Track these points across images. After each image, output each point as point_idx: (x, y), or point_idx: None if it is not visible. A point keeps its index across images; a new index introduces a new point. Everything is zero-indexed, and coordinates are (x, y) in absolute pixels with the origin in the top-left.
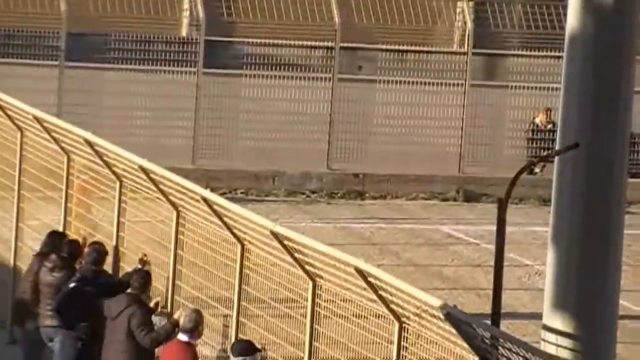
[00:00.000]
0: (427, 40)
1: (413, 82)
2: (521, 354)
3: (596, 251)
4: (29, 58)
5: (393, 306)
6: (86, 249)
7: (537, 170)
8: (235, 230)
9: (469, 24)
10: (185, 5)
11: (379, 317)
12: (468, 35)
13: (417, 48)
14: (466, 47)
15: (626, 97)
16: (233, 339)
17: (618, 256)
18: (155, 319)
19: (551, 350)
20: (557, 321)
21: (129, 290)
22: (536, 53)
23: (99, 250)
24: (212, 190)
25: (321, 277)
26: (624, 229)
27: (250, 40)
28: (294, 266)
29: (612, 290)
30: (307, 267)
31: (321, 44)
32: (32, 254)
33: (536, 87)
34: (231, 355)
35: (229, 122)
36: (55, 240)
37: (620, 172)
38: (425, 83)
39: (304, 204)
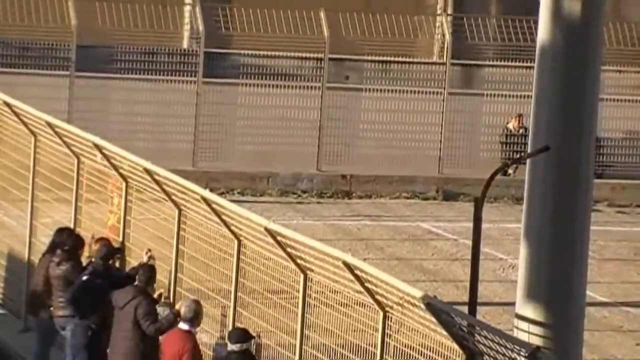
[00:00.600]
0: (409, 51)
1: (396, 91)
2: (496, 340)
3: (565, 246)
4: (42, 69)
5: (378, 297)
6: (96, 246)
7: (510, 171)
8: (232, 227)
9: (448, 37)
10: (186, 20)
11: (364, 306)
12: (447, 47)
13: (400, 59)
14: (445, 58)
15: (592, 104)
16: (230, 327)
17: (585, 251)
18: (159, 309)
19: (523, 337)
20: (529, 310)
21: (135, 283)
22: (509, 64)
23: (108, 245)
24: (211, 190)
25: (312, 270)
26: (590, 226)
27: (246, 51)
28: (287, 260)
29: (580, 282)
30: (298, 261)
31: (311, 55)
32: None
33: (509, 95)
34: (228, 342)
35: (226, 128)
36: (62, 236)
37: (586, 173)
38: (407, 91)
39: (296, 203)
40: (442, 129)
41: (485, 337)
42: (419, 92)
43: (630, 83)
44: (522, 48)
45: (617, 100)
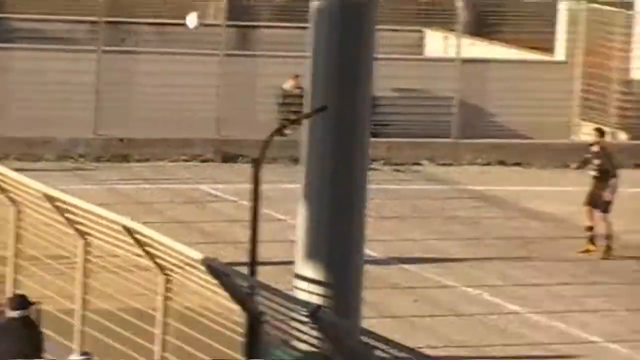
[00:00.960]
0: (184, 13)
1: (172, 53)
2: (276, 300)
3: (343, 205)
4: None
5: (158, 260)
6: None
7: (288, 132)
8: (9, 194)
9: None
10: None
11: (145, 270)
12: (223, 8)
13: (175, 21)
14: (221, 19)
15: (367, 64)
16: (9, 294)
17: (362, 210)
18: None
19: (304, 296)
20: (309, 270)
21: None
22: (285, 24)
23: None
24: None
25: (91, 235)
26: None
27: (19, 15)
28: (66, 225)
29: (358, 241)
30: (77, 226)
31: (87, 18)
32: None
33: (286, 56)
34: (7, 309)
35: (0, 93)
36: None
37: (363, 132)
38: (183, 54)
39: (74, 169)
40: (218, 90)
41: (266, 298)
42: (195, 54)
43: (405, 42)
44: (299, 9)
45: (393, 59)
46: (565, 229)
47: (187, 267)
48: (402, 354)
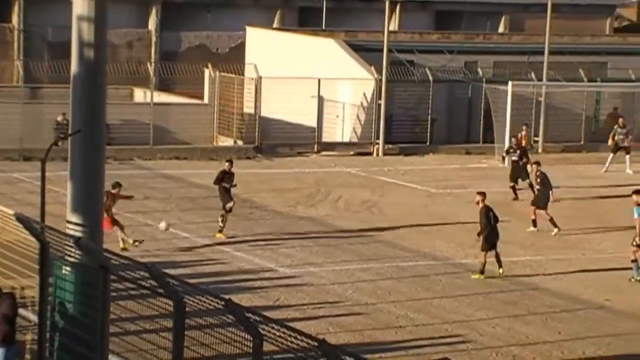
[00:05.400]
0: None
1: None
2: (56, 235)
3: (91, 184)
4: None
5: None
6: None
7: (60, 144)
8: None
9: None
10: None
11: None
12: (21, 76)
13: None
14: (21, 82)
15: (102, 106)
16: None
17: (101, 187)
18: None
19: (72, 232)
20: (74, 218)
21: None
22: (57, 85)
23: None
24: None
25: None
26: None
27: None
28: None
29: (98, 203)
30: None
31: None
32: None
33: (58, 103)
34: None
35: None
36: None
37: (101, 143)
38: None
39: None
40: (22, 121)
41: (50, 234)
42: (7, 103)
43: (122, 94)
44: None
45: (119, 104)
46: (208, 191)
47: (4, 218)
48: (124, 261)
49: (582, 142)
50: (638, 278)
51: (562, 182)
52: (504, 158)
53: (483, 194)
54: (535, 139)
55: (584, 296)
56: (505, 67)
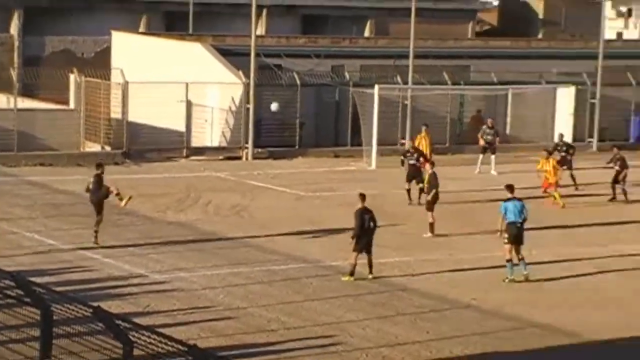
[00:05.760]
0: None
1: None
2: None
3: None
4: None
5: None
6: None
7: None
8: None
9: None
10: None
11: None
12: None
13: None
14: None
15: None
16: None
17: None
18: None
19: None
20: None
21: None
22: None
23: None
24: None
25: None
26: None
27: None
28: None
29: None
30: None
31: None
32: None
33: None
34: None
35: None
36: None
37: None
38: None
39: None
40: None
41: None
42: None
43: None
44: None
45: None
46: (74, 197)
47: None
48: None
49: (447, 145)
50: (512, 277)
51: None
52: (402, 162)
53: (362, 196)
54: (402, 141)
55: (451, 296)
56: (371, 70)
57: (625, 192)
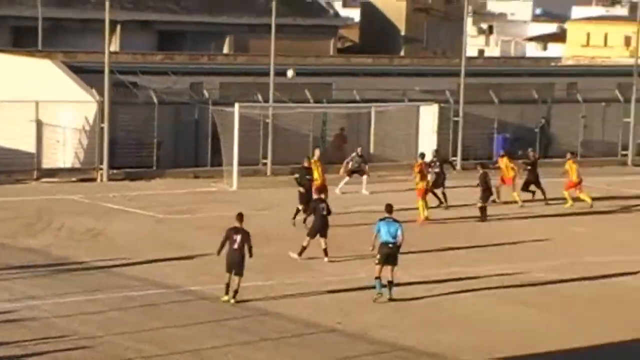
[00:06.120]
0: None
1: None
2: None
3: None
4: None
5: None
6: None
7: None
8: None
9: None
10: None
11: None
12: None
13: None
14: None
15: None
16: None
17: None
18: None
19: None
20: None
21: None
22: None
23: None
24: None
25: None
26: None
27: None
28: None
29: None
30: None
31: None
32: None
33: None
34: None
35: None
36: None
37: None
38: None
39: None
40: None
41: None
42: None
43: None
44: None
45: None
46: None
47: None
48: None
49: None
50: (381, 292)
51: (292, 205)
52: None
53: (240, 215)
54: (264, 161)
55: (315, 319)
56: (231, 88)
57: (485, 210)
